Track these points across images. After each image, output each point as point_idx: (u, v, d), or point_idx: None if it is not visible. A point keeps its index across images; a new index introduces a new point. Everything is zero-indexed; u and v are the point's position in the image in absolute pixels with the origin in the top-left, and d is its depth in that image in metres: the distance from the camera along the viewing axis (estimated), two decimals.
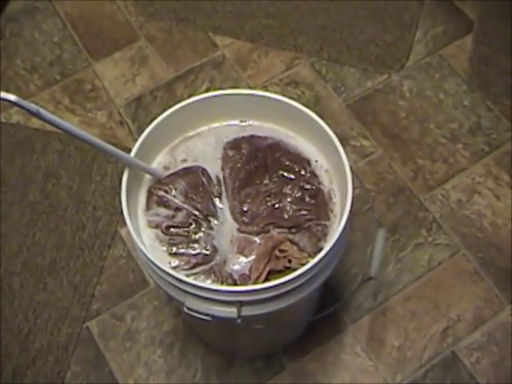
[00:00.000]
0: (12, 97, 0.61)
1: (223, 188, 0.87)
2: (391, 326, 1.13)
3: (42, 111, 0.65)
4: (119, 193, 0.81)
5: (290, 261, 0.80)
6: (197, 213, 0.84)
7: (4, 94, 0.61)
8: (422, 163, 1.28)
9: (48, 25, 1.48)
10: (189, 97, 0.88)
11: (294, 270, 0.77)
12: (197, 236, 0.83)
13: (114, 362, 1.11)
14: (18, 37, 1.46)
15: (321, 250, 0.79)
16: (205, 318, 0.78)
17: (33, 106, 0.64)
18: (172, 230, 0.83)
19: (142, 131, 0.85)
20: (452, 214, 1.22)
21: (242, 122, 0.91)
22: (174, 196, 0.85)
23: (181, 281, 0.76)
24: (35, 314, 1.15)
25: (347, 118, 1.33)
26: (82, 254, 1.20)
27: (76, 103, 1.37)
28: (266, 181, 0.86)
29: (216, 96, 0.88)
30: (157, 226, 0.84)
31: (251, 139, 0.89)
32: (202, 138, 0.91)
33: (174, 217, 0.84)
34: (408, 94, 1.36)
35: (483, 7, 1.46)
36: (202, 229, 0.83)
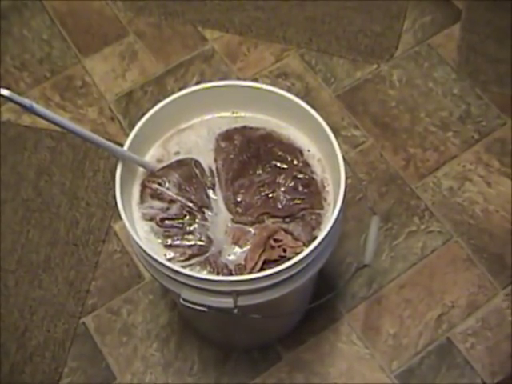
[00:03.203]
0: (5, 92, 0.61)
1: (216, 179, 0.87)
2: (386, 314, 1.13)
3: (36, 106, 0.65)
4: (113, 187, 0.81)
5: (284, 250, 0.81)
6: (191, 204, 0.84)
7: None
8: (413, 152, 1.28)
9: (36, 21, 1.47)
10: (179, 91, 0.89)
11: (289, 259, 0.77)
12: (191, 227, 0.84)
13: (111, 357, 1.12)
14: (6, 34, 1.45)
15: (315, 238, 0.79)
16: (201, 309, 0.78)
17: (26, 101, 0.64)
18: (167, 222, 0.84)
19: (134, 126, 0.86)
20: (444, 202, 1.23)
21: (233, 113, 0.92)
22: (168, 188, 0.85)
23: (177, 272, 0.76)
24: (31, 311, 1.15)
25: (338, 108, 1.34)
26: (76, 249, 1.20)
27: (67, 100, 1.37)
28: (259, 171, 0.87)
29: (208, 88, 0.89)
30: (151, 219, 0.84)
31: (243, 130, 0.90)
32: (194, 130, 0.91)
33: (168, 209, 0.84)
34: (397, 83, 1.36)
35: None
36: (197, 220, 0.84)
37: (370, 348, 1.11)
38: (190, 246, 0.82)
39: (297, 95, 0.87)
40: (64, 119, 0.71)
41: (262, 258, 0.80)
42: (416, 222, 1.21)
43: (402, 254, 1.18)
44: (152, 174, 0.86)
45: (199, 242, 0.82)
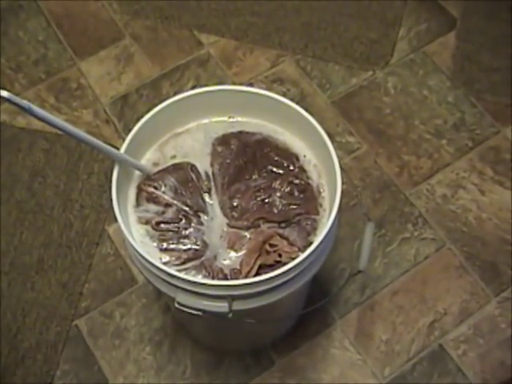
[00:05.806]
0: (5, 93, 0.61)
1: (212, 183, 0.87)
2: (379, 320, 1.14)
3: (34, 107, 0.65)
4: (107, 190, 0.81)
5: (280, 255, 0.81)
6: (186, 208, 0.84)
7: None
8: (407, 159, 1.29)
9: (32, 23, 1.47)
10: (175, 95, 0.89)
11: (285, 264, 0.77)
12: (187, 231, 0.84)
13: (104, 360, 1.12)
14: (2, 35, 1.45)
15: (311, 243, 0.80)
16: (196, 313, 0.78)
17: (25, 102, 0.64)
18: (162, 225, 0.84)
19: (129, 129, 0.86)
20: (437, 209, 1.23)
21: (230, 118, 0.92)
22: (164, 192, 0.85)
23: (172, 276, 0.76)
24: (23, 313, 1.14)
25: (332, 114, 1.34)
26: (69, 252, 1.20)
27: (62, 102, 1.37)
28: (255, 176, 0.87)
29: (204, 92, 0.89)
30: (147, 222, 0.84)
31: (240, 135, 0.90)
32: (190, 135, 0.91)
33: (163, 213, 0.84)
34: (392, 90, 1.37)
35: (465, 5, 1.48)
36: (192, 224, 0.84)
37: (362, 354, 1.11)
38: (185, 250, 0.82)
39: (292, 101, 0.88)
40: (62, 122, 0.71)
41: (258, 262, 0.80)
42: (409, 229, 1.21)
43: (395, 261, 1.19)
44: (148, 178, 0.86)
45: (195, 246, 0.82)
